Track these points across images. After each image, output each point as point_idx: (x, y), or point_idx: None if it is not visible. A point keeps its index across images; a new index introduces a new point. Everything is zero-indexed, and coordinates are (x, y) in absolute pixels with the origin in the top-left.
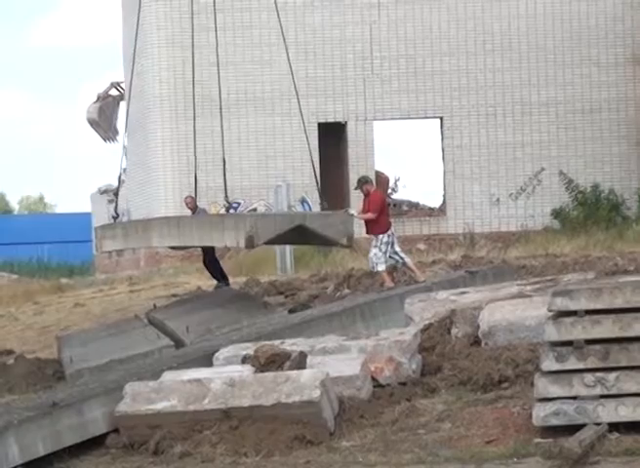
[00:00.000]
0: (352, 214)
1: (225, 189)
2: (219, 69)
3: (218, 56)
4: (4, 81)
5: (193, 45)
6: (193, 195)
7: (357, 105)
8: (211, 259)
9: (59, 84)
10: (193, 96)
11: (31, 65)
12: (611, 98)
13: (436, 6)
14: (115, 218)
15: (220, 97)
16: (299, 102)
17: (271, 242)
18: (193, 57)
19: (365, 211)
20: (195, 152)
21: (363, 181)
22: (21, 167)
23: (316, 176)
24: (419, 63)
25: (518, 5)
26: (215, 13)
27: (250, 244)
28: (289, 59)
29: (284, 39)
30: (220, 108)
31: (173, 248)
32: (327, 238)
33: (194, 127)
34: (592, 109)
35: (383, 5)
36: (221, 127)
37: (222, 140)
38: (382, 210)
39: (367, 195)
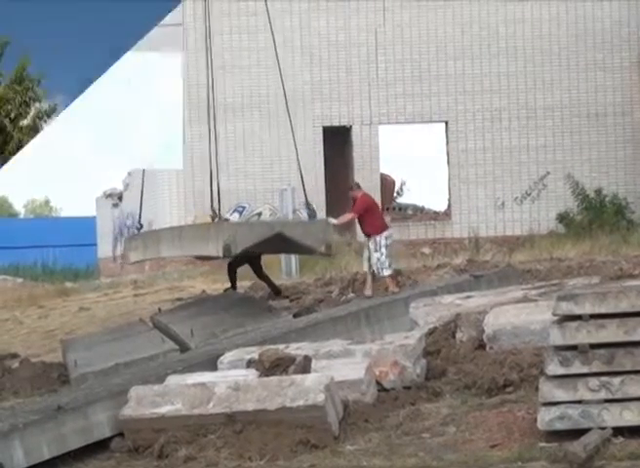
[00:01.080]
0: (334, 223)
1: (212, 198)
2: (212, 73)
3: (211, 59)
4: None
5: (206, 49)
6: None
7: (362, 109)
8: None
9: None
10: (207, 101)
11: None
12: (616, 102)
13: (441, 10)
14: (139, 229)
15: (214, 102)
16: (287, 105)
17: (250, 250)
18: (208, 60)
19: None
20: (212, 165)
21: (350, 188)
22: (27, 170)
23: (303, 182)
24: (424, 67)
25: (523, 9)
26: (209, 17)
27: (227, 252)
28: (278, 62)
29: (274, 40)
30: (214, 112)
31: (199, 258)
32: (306, 246)
33: (209, 136)
34: (597, 113)
35: (389, 9)
36: (215, 132)
37: (216, 146)
38: (369, 210)
39: (355, 201)
